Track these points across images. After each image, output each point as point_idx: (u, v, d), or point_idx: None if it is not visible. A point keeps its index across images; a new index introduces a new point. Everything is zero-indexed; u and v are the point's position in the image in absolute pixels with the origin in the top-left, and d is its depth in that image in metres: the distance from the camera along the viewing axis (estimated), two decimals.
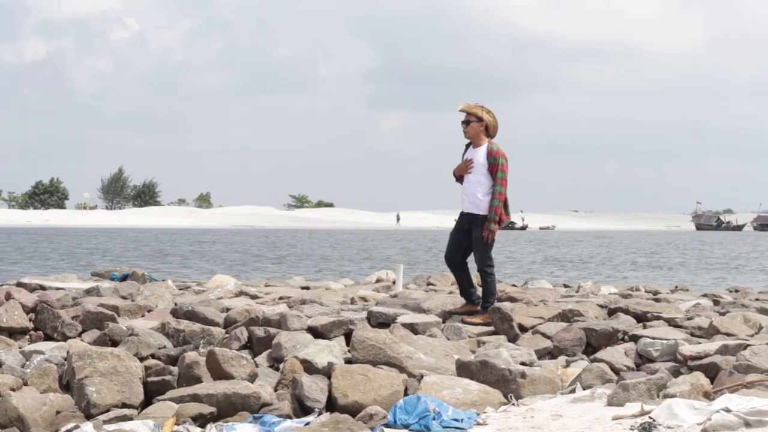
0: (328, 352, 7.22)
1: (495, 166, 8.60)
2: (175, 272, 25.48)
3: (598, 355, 7.58)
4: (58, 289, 10.29)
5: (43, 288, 10.37)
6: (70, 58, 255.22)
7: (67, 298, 9.54)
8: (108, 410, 6.57)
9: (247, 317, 8.44)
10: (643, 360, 7.53)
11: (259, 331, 7.91)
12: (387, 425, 6.14)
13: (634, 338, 7.95)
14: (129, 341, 7.71)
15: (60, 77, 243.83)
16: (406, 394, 6.70)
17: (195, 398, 6.55)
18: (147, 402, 6.81)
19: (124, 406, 6.67)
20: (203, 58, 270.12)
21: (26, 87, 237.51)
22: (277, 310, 8.59)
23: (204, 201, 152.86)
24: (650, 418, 5.77)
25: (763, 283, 23.17)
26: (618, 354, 7.55)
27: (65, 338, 8.16)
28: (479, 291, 8.96)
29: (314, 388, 6.58)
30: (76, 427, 6.23)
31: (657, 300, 10.01)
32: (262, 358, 7.60)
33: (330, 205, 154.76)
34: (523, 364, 7.28)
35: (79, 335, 8.25)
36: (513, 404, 6.60)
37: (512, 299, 9.41)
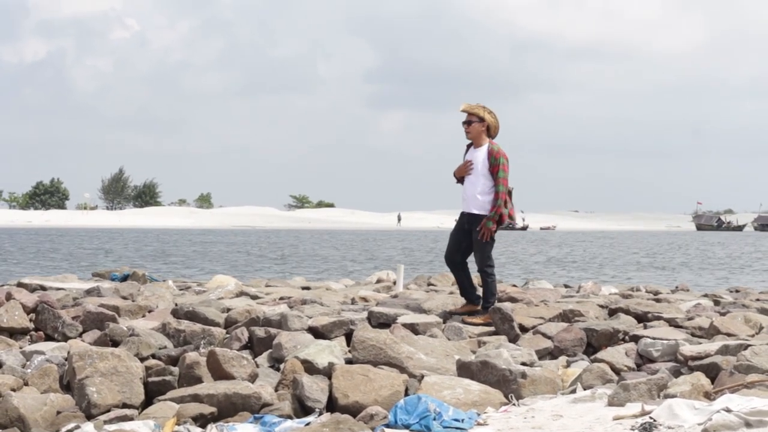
0: (329, 352, 7.22)
1: (496, 166, 8.60)
2: (179, 273, 25.51)
3: (599, 355, 7.59)
4: (58, 289, 10.29)
5: (43, 288, 10.37)
6: (70, 58, 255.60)
7: (67, 298, 9.55)
8: (109, 410, 6.57)
9: (247, 317, 8.44)
10: (643, 360, 7.53)
11: (260, 332, 7.91)
12: (388, 425, 6.14)
13: (635, 338, 7.95)
14: (130, 341, 7.71)
15: (60, 77, 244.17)
16: (406, 394, 6.70)
17: (195, 398, 6.55)
18: (148, 402, 6.82)
19: (124, 406, 6.67)
20: (203, 58, 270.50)
21: (26, 87, 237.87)
22: (277, 310, 8.59)
23: (204, 201, 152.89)
24: (651, 418, 5.77)
25: (766, 284, 23.16)
26: (619, 354, 7.55)
27: (66, 338, 8.16)
28: (479, 291, 8.96)
29: (315, 389, 6.58)
30: (77, 427, 6.24)
31: (657, 300, 10.01)
32: (263, 359, 7.60)
33: (330, 206, 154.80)
34: (523, 364, 7.29)
35: (80, 335, 8.25)
36: (514, 404, 6.60)
37: (513, 299, 9.41)
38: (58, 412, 6.54)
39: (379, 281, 12.47)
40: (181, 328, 8.12)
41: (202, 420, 6.35)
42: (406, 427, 6.09)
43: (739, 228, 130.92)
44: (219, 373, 6.91)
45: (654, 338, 7.72)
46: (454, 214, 9.31)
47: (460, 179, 8.86)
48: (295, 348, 7.42)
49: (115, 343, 7.86)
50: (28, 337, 8.31)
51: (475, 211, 8.71)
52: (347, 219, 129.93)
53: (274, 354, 7.56)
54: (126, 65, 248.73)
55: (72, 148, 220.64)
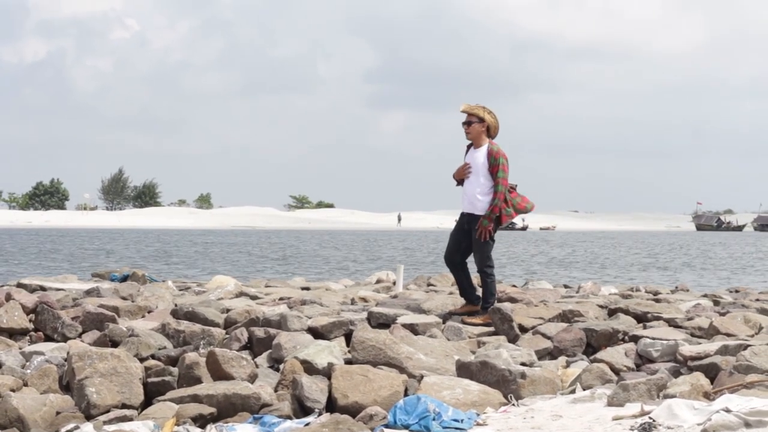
0: (328, 352, 7.22)
1: (495, 166, 8.60)
2: (181, 273, 25.51)
3: (598, 355, 7.59)
4: (58, 289, 10.29)
5: (43, 289, 10.37)
6: (70, 59, 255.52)
7: (67, 298, 9.54)
8: (108, 411, 6.57)
9: (247, 318, 8.44)
10: (643, 360, 7.53)
11: (260, 332, 7.91)
12: (387, 426, 6.15)
13: (635, 339, 7.95)
14: (129, 342, 7.71)
15: (60, 77, 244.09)
16: (406, 394, 6.71)
17: (195, 399, 6.55)
18: (147, 403, 6.82)
19: (124, 406, 6.67)
20: (203, 58, 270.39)
21: (26, 87, 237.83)
22: (277, 310, 8.59)
23: (204, 202, 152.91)
24: (650, 418, 5.77)
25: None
26: (618, 354, 7.55)
27: (65, 339, 8.16)
28: (479, 291, 8.96)
29: (314, 389, 6.58)
30: (76, 427, 6.24)
31: (657, 300, 10.01)
32: (262, 359, 7.60)
33: (330, 206, 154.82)
34: (523, 364, 7.29)
35: (79, 336, 8.25)
36: (513, 405, 6.60)
37: (512, 300, 9.41)
38: (58, 413, 6.54)
39: (378, 282, 12.47)
40: (180, 328, 8.12)
41: (201, 420, 6.35)
42: (406, 427, 6.09)
43: (739, 228, 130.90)
44: (218, 373, 6.91)
45: (653, 338, 7.72)
46: (454, 214, 9.32)
47: (460, 181, 8.86)
48: (294, 348, 7.42)
49: (115, 344, 7.86)
50: (28, 337, 8.31)
51: (475, 212, 8.71)
52: (347, 219, 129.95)
53: (274, 354, 7.56)
54: (126, 65, 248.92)
55: (72, 149, 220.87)
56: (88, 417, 6.52)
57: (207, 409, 6.43)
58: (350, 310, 9.03)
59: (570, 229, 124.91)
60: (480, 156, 8.69)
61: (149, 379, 7.00)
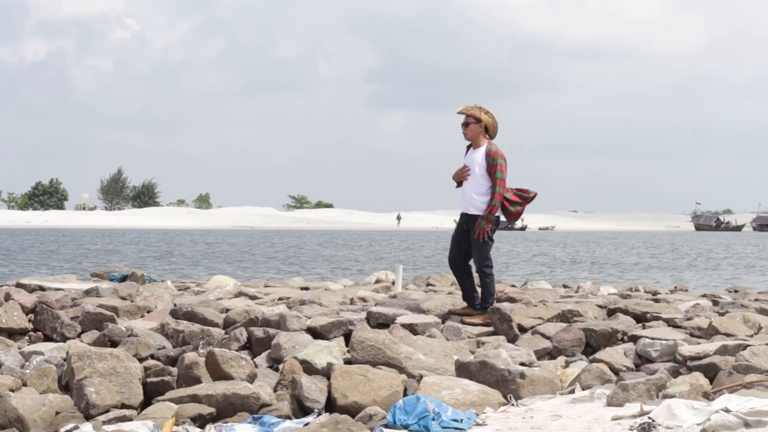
0: (328, 352, 7.22)
1: (493, 166, 8.60)
2: (187, 273, 25.49)
3: (598, 355, 7.59)
4: (57, 289, 10.29)
5: (42, 289, 10.37)
6: (70, 59, 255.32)
7: (66, 298, 9.55)
8: (107, 411, 6.57)
9: (246, 318, 8.44)
10: (642, 360, 7.53)
11: (259, 332, 7.91)
12: (386, 426, 6.14)
13: (634, 339, 7.95)
14: (128, 342, 7.71)
15: (60, 77, 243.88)
16: (405, 394, 6.71)
17: (194, 399, 6.55)
18: (146, 402, 6.82)
19: (123, 406, 6.67)
20: (203, 58, 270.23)
21: (26, 87, 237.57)
22: (276, 310, 8.59)
23: (203, 201, 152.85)
24: (649, 418, 5.77)
25: None
26: (617, 354, 7.55)
27: (64, 339, 8.16)
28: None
29: (313, 389, 6.58)
30: (76, 427, 6.24)
31: (656, 300, 10.02)
32: (262, 359, 7.60)
33: (329, 206, 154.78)
34: (522, 364, 7.29)
35: (79, 336, 8.25)
36: (512, 405, 6.60)
37: (511, 300, 9.42)
38: (57, 413, 6.54)
39: (377, 281, 12.48)
40: (179, 328, 8.12)
41: (200, 420, 6.35)
42: (405, 427, 6.09)
43: (738, 228, 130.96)
44: (218, 373, 6.91)
45: (653, 338, 7.72)
46: (454, 214, 9.35)
47: (459, 183, 8.86)
48: (293, 348, 7.42)
49: (114, 344, 7.86)
50: (27, 337, 8.31)
51: (474, 212, 8.71)
52: (346, 219, 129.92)
53: (273, 354, 7.56)
54: (126, 65, 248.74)
55: (72, 148, 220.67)
56: (88, 417, 6.52)
57: (206, 409, 6.43)
58: (349, 310, 9.03)
59: (569, 229, 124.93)
60: (479, 156, 8.69)
61: (148, 379, 7.00)
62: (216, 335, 8.09)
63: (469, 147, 8.86)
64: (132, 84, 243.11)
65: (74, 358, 6.95)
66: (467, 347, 7.90)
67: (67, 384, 7.02)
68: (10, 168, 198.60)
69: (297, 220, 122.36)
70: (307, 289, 11.47)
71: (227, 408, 6.47)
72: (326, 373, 6.91)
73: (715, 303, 10.16)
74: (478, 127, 8.71)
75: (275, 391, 6.75)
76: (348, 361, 7.23)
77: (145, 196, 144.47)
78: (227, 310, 8.88)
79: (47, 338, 8.27)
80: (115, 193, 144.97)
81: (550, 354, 7.88)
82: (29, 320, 8.45)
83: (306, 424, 6.16)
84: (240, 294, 10.40)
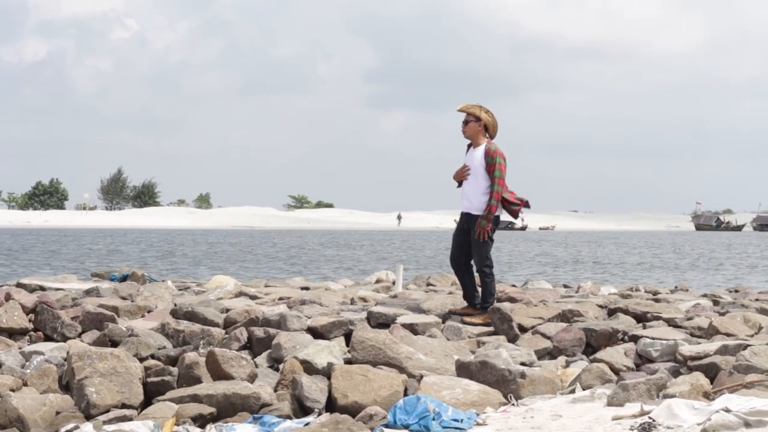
0: (328, 352, 7.22)
1: (492, 165, 8.60)
2: (191, 273, 25.49)
3: (598, 355, 7.58)
4: (57, 289, 10.29)
5: (42, 289, 10.37)
6: (70, 59, 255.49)
7: (66, 298, 9.55)
8: (108, 411, 6.57)
9: (246, 318, 8.44)
10: (642, 360, 7.53)
11: (259, 332, 7.91)
12: (387, 425, 6.14)
13: (634, 338, 7.95)
14: (129, 342, 7.71)
15: (60, 77, 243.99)
16: (405, 394, 6.71)
17: (195, 399, 6.55)
18: (147, 402, 6.82)
19: (123, 406, 6.67)
20: (203, 58, 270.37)
21: (26, 87, 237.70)
22: (276, 310, 8.59)
23: (203, 201, 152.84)
24: (650, 418, 5.77)
25: None
26: (618, 354, 7.55)
27: (65, 339, 8.16)
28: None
29: (314, 389, 6.58)
30: (76, 427, 6.23)
31: (657, 300, 10.01)
32: (262, 359, 7.60)
33: (329, 206, 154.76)
34: (522, 364, 7.28)
35: (79, 336, 8.25)
36: (513, 404, 6.60)
37: (512, 299, 9.41)
38: (57, 413, 6.54)
39: (378, 281, 12.48)
40: (180, 328, 8.12)
41: (201, 420, 6.35)
42: (405, 427, 6.09)
43: (738, 228, 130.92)
44: (218, 373, 6.91)
45: (653, 338, 7.72)
46: (454, 214, 9.36)
47: (460, 183, 8.86)
48: (294, 348, 7.42)
49: (114, 344, 7.86)
50: (27, 337, 8.31)
51: (473, 211, 8.71)
52: (346, 219, 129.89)
53: (273, 354, 7.56)
54: (126, 65, 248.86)
55: (72, 148, 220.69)
56: (88, 417, 6.52)
57: (207, 409, 6.43)
58: (350, 309, 9.03)
59: (569, 229, 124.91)
60: (478, 155, 8.69)
61: (149, 379, 7.00)
62: (216, 335, 8.09)
63: (469, 146, 8.86)
64: (132, 84, 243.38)
65: (75, 358, 6.95)
66: (468, 347, 7.89)
67: (67, 384, 7.02)
68: (10, 168, 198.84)
69: (297, 220, 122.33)
70: (307, 288, 11.47)
71: (228, 408, 6.47)
72: (327, 373, 6.91)
73: (716, 303, 10.15)
74: (477, 125, 8.70)
75: (276, 391, 6.75)
76: (348, 361, 7.23)
77: (146, 196, 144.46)
78: (228, 310, 8.88)
79: (48, 338, 8.27)
80: (115, 193, 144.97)
81: (551, 354, 7.88)
82: (30, 320, 8.45)
83: (306, 424, 6.16)
84: (240, 294, 10.40)
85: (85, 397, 6.62)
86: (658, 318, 8.64)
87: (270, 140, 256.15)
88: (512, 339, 8.11)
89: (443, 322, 8.50)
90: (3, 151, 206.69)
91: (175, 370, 7.08)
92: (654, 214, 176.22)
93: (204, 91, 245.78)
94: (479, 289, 8.92)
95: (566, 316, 8.71)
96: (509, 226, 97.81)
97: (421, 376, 6.96)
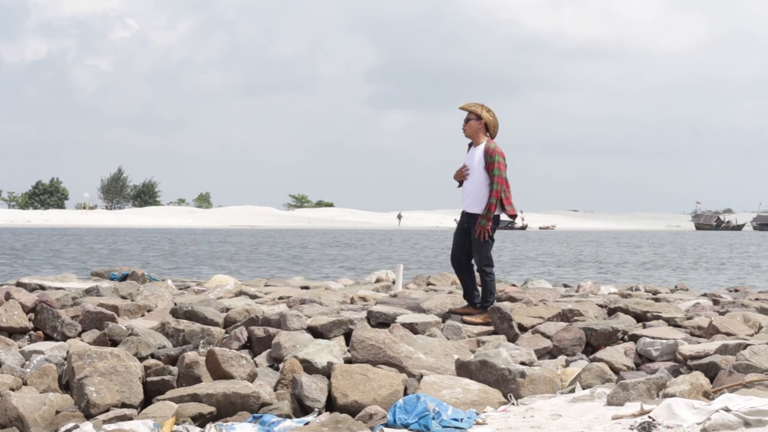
0: (328, 351, 7.22)
1: (491, 164, 8.60)
2: (195, 272, 25.47)
3: (598, 354, 7.58)
4: (57, 289, 10.28)
5: (42, 288, 10.36)
6: (71, 58, 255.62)
7: (66, 298, 9.54)
8: (108, 410, 6.57)
9: (246, 317, 8.44)
10: (642, 360, 7.53)
11: (259, 331, 7.91)
12: (387, 425, 6.14)
13: (634, 338, 7.95)
14: (129, 341, 7.71)
15: (61, 77, 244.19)
16: (405, 393, 6.71)
17: (195, 398, 6.55)
18: (147, 402, 6.82)
19: (123, 405, 6.67)
20: (204, 57, 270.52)
21: (27, 87, 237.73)
22: (276, 309, 8.59)
23: (204, 201, 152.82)
24: (650, 417, 5.77)
25: None
26: (617, 354, 7.55)
27: (65, 338, 8.16)
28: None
29: (314, 388, 6.58)
30: (76, 426, 6.23)
31: (656, 300, 10.01)
32: (262, 358, 7.60)
33: (330, 205, 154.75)
34: (522, 363, 7.29)
35: (79, 335, 8.25)
36: (512, 404, 6.60)
37: (512, 299, 9.41)
38: (57, 412, 6.54)
39: (378, 281, 12.47)
40: (180, 327, 8.12)
41: (201, 419, 6.35)
42: (405, 426, 6.09)
43: (738, 227, 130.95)
44: (218, 372, 6.91)
45: (653, 338, 7.72)
46: (454, 213, 9.37)
47: (461, 183, 8.86)
48: (294, 347, 7.42)
49: (114, 343, 7.86)
50: (27, 336, 8.31)
51: (474, 211, 8.71)
52: (346, 218, 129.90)
53: (273, 353, 7.56)
54: (126, 65, 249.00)
55: (72, 148, 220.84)
56: (88, 416, 6.52)
57: (206, 408, 6.43)
58: (350, 309, 9.02)
59: (570, 229, 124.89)
60: (478, 154, 8.69)
61: (149, 378, 7.00)
62: (216, 334, 8.09)
63: (470, 146, 8.86)
64: (132, 83, 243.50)
65: (74, 357, 6.95)
66: (467, 346, 7.89)
67: (67, 383, 7.02)
68: (10, 167, 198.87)
69: (297, 219, 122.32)
70: (307, 288, 11.47)
71: (227, 407, 6.47)
72: (326, 372, 6.91)
73: (716, 302, 10.15)
74: (478, 124, 8.70)
75: (275, 390, 6.75)
76: (348, 361, 7.23)
77: (146, 196, 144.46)
78: (227, 310, 8.88)
79: (48, 337, 8.26)
80: (115, 192, 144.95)
81: (551, 353, 7.88)
82: (30, 319, 8.45)
83: (306, 424, 6.16)
84: (240, 293, 10.39)
85: (85, 397, 6.62)
86: (658, 317, 8.64)
87: (270, 140, 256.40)
88: (512, 338, 8.11)
89: (443, 322, 8.50)
90: (3, 151, 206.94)
91: (175, 369, 7.08)
92: (654, 213, 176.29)
93: (204, 90, 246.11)
94: (479, 289, 8.92)
95: (566, 316, 8.71)
96: (509, 226, 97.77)
97: (421, 376, 6.96)
